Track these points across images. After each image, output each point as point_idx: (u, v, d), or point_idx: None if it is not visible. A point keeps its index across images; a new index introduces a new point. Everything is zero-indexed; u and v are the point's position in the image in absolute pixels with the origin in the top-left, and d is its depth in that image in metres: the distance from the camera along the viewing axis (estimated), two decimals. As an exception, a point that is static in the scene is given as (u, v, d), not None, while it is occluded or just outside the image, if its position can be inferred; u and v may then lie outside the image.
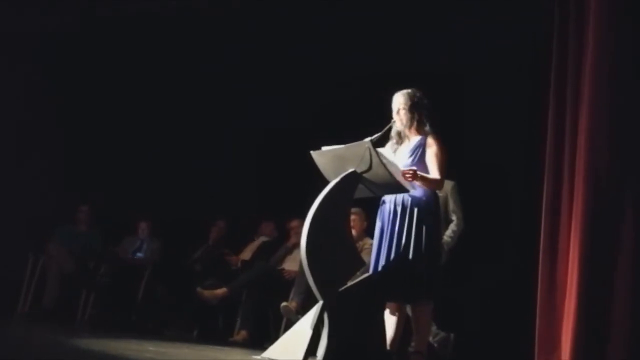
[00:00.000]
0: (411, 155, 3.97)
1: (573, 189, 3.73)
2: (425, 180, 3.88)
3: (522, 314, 4.43)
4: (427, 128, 4.00)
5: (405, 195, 3.91)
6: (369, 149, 3.71)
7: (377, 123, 4.09)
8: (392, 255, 3.88)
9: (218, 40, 7.10)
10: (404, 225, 3.89)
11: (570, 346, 3.62)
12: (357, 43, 6.42)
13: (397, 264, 3.85)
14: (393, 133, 4.07)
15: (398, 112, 4.04)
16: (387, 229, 3.94)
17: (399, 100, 4.04)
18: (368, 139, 3.77)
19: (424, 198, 3.92)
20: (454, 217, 4.98)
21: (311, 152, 3.96)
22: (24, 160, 7.35)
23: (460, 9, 5.88)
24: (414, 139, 4.03)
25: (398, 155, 4.02)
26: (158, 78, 7.27)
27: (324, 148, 3.93)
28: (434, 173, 3.92)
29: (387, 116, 4.10)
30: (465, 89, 5.77)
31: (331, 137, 3.99)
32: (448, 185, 4.89)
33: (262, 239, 6.53)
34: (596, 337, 3.57)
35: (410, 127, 4.03)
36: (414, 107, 4.01)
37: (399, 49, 6.17)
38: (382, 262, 3.92)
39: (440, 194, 4.42)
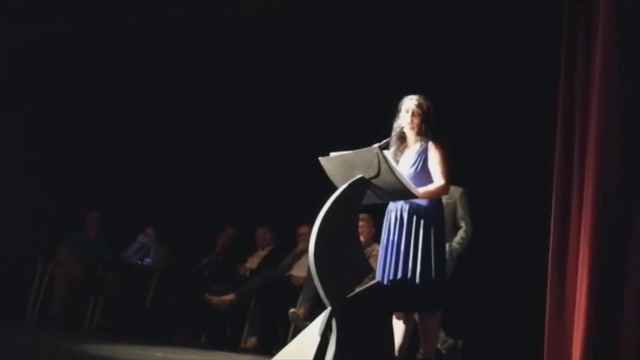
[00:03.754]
0: (413, 165, 3.95)
1: (582, 195, 3.70)
2: (429, 193, 3.85)
3: (531, 320, 4.41)
4: (430, 135, 3.97)
5: (411, 203, 3.88)
6: (378, 155, 3.68)
7: (380, 124, 4.07)
8: (398, 264, 3.85)
9: (219, 42, 7.10)
10: (410, 232, 3.86)
11: (580, 355, 3.58)
12: (358, 43, 6.40)
13: (403, 272, 3.82)
14: (395, 137, 4.02)
15: (411, 113, 3.98)
16: (393, 236, 3.91)
17: (412, 103, 3.99)
18: (376, 145, 3.74)
19: (428, 206, 3.89)
20: (462, 224, 4.96)
21: (319, 158, 3.93)
22: (32, 167, 7.37)
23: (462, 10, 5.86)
24: (417, 145, 4.00)
25: (401, 164, 3.98)
26: (166, 82, 7.31)
27: (332, 154, 3.90)
28: (437, 179, 3.89)
29: (390, 117, 4.08)
30: (471, 90, 5.73)
31: (334, 139, 4.00)
32: (457, 191, 4.87)
33: (269, 247, 6.52)
34: (606, 346, 3.54)
35: (416, 133, 4.00)
36: (423, 114, 3.98)
37: (400, 48, 6.13)
38: (388, 270, 3.89)
39: (449, 200, 4.40)
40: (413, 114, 3.99)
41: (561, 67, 3.89)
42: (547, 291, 3.91)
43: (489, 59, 5.72)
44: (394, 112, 4.04)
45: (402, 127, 4.01)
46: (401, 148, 4.03)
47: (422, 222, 3.85)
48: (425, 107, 3.98)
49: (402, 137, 4.03)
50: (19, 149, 7.38)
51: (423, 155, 3.94)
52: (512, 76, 5.56)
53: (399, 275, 3.82)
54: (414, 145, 4.01)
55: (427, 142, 3.96)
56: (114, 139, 7.45)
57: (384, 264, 3.93)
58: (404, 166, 3.97)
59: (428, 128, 3.98)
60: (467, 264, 4.95)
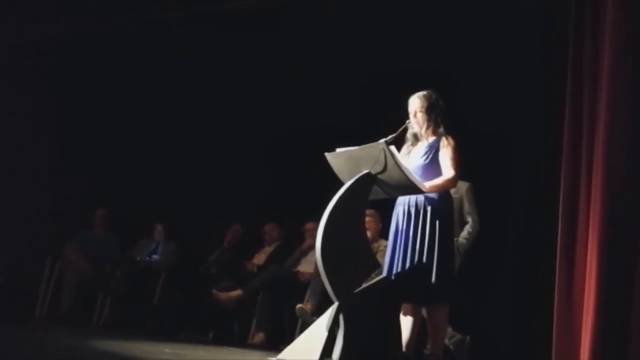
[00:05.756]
0: (424, 155, 3.99)
1: (590, 193, 3.69)
2: (436, 187, 3.89)
3: (538, 317, 4.43)
4: (442, 129, 4.03)
5: (419, 197, 3.91)
6: (384, 150, 3.70)
7: (380, 124, 4.12)
8: (407, 257, 3.88)
9: (219, 42, 7.13)
10: (417, 227, 3.89)
11: (588, 352, 3.57)
12: (358, 43, 6.44)
13: (412, 266, 3.86)
14: (409, 135, 4.09)
15: (415, 114, 4.06)
16: (402, 230, 3.95)
17: (416, 103, 4.06)
18: (383, 140, 3.76)
19: (437, 200, 3.92)
20: (469, 219, 4.97)
21: (325, 153, 3.95)
22: (35, 166, 7.39)
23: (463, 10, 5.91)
24: (429, 140, 4.05)
25: (412, 156, 4.04)
26: (166, 82, 7.32)
27: (338, 150, 3.92)
28: (446, 170, 3.92)
29: (394, 115, 4.12)
30: (471, 90, 5.74)
31: (334, 139, 4.01)
32: (463, 186, 4.89)
33: (276, 243, 6.54)
34: (616, 343, 3.52)
35: (427, 129, 4.05)
36: (430, 109, 4.03)
37: (400, 48, 6.16)
38: (396, 264, 3.92)
39: (455, 195, 4.42)
40: (415, 115, 4.05)
41: (568, 64, 3.90)
42: (554, 288, 3.90)
43: (489, 59, 5.74)
44: (404, 113, 4.10)
45: (409, 124, 4.07)
46: (415, 142, 4.09)
47: (430, 215, 3.88)
48: (428, 102, 4.03)
49: (416, 135, 4.09)
50: (20, 148, 7.40)
51: (434, 148, 3.98)
52: (512, 76, 5.58)
53: (407, 267, 3.85)
54: (426, 139, 4.06)
55: (440, 136, 4.01)
56: (115, 139, 7.46)
57: (391, 256, 3.96)
58: (415, 157, 4.02)
59: (439, 121, 4.03)
60: (474, 260, 4.97)
